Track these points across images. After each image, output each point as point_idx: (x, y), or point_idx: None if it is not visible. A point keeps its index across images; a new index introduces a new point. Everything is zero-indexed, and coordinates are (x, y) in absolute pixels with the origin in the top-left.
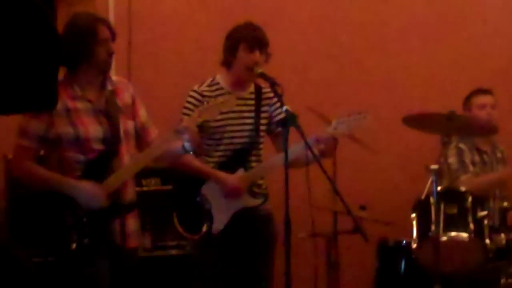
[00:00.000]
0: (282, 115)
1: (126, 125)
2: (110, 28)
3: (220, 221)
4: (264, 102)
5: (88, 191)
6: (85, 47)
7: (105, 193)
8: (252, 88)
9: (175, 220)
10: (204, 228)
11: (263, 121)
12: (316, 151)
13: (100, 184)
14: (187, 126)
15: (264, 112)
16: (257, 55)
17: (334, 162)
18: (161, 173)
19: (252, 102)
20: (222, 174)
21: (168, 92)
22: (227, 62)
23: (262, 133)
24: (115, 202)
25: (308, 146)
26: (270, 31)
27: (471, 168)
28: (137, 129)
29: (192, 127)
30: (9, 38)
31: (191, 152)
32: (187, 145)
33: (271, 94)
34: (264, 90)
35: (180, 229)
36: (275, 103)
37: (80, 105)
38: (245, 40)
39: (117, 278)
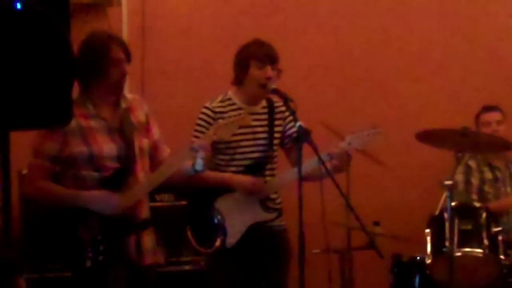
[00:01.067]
0: (295, 130)
1: (141, 142)
2: (125, 48)
3: (233, 235)
4: (277, 116)
5: (102, 197)
6: (98, 66)
7: (120, 202)
8: (264, 102)
9: (189, 233)
10: (218, 243)
11: (276, 135)
12: (329, 166)
13: (114, 192)
14: (203, 143)
15: (277, 126)
16: (268, 70)
17: (347, 178)
18: (175, 189)
19: (265, 116)
20: (237, 176)
21: (181, 108)
22: (239, 80)
23: (275, 147)
24: (129, 219)
25: (322, 162)
26: (280, 47)
27: (475, 190)
28: (149, 147)
29: (207, 145)
30: (25, 54)
31: (201, 171)
32: (199, 163)
33: (283, 108)
34: (276, 104)
35: (193, 243)
36: (288, 117)
37: (94, 123)
38: (255, 56)
39: None
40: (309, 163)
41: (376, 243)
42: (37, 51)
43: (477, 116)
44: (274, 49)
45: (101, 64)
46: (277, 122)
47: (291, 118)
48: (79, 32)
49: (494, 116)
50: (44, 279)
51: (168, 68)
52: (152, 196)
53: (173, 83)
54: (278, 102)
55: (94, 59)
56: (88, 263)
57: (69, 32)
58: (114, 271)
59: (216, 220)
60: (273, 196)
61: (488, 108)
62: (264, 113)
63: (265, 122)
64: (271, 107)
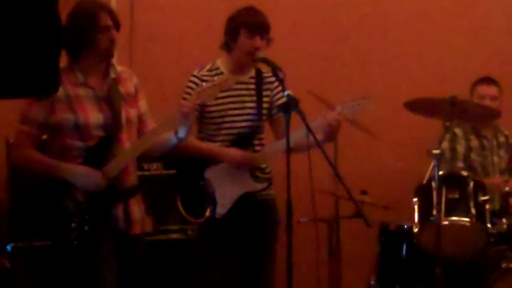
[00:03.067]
0: (283, 100)
1: (128, 113)
2: (113, 16)
3: (223, 205)
4: (265, 86)
5: (84, 174)
6: (86, 34)
7: (103, 177)
8: (252, 72)
9: (179, 203)
10: (207, 212)
11: (264, 105)
12: (318, 135)
13: (97, 169)
14: (186, 111)
15: (265, 96)
16: (257, 40)
17: (335, 147)
18: (164, 157)
19: (253, 86)
20: (224, 149)
21: (169, 78)
22: (228, 46)
23: (264, 117)
24: (114, 187)
25: (310, 131)
26: (270, 15)
27: (461, 157)
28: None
29: (190, 110)
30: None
31: (184, 139)
32: (182, 130)
33: (272, 79)
34: (265, 75)
35: (183, 213)
36: (276, 88)
37: (82, 91)
38: (246, 25)
39: (124, 264)
40: (297, 133)
41: (364, 212)
42: (24, 19)
43: (473, 86)
44: (266, 18)
45: (90, 31)
46: (265, 93)
47: (279, 88)
48: (67, 1)
49: (490, 90)
50: (31, 247)
51: (157, 38)
52: (140, 165)
53: (162, 53)
54: (267, 72)
55: (83, 27)
56: (73, 234)
57: (57, 0)
58: (101, 240)
59: (206, 190)
60: (263, 166)
61: (485, 80)
62: (252, 83)
63: (253, 92)
64: (259, 76)
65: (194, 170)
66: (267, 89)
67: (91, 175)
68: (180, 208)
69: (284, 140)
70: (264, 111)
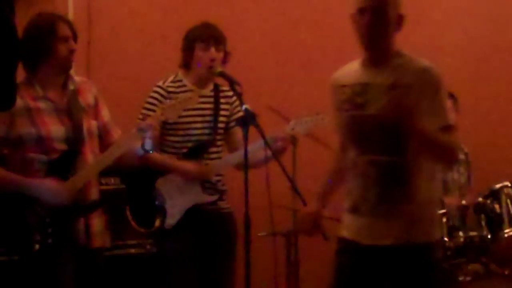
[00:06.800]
0: (241, 114)
1: (90, 124)
2: (71, 27)
3: (172, 216)
4: (224, 100)
5: (51, 188)
6: (45, 45)
7: (68, 191)
8: (212, 86)
9: (128, 213)
10: (157, 223)
11: (221, 119)
12: (273, 149)
13: (63, 182)
14: (151, 124)
15: (223, 110)
16: (213, 52)
17: (294, 161)
18: (121, 172)
19: (212, 99)
20: (179, 163)
21: (126, 91)
22: (186, 63)
23: (220, 131)
24: (77, 202)
25: (267, 145)
26: (228, 30)
27: None
28: (99, 130)
29: (155, 125)
30: None
31: (151, 152)
32: (148, 143)
33: (231, 93)
34: (222, 88)
35: (132, 223)
36: (234, 102)
37: (41, 105)
38: (200, 38)
39: (83, 278)
40: (253, 146)
41: (322, 226)
42: None
43: None
44: (220, 30)
45: (49, 41)
46: (223, 106)
47: (238, 102)
48: (24, 15)
49: None
50: None
51: (114, 51)
52: (98, 179)
53: (119, 67)
54: (225, 86)
55: (41, 37)
56: (37, 247)
57: (14, 14)
58: (63, 254)
59: (156, 201)
60: (217, 178)
61: None
62: (211, 96)
63: (212, 105)
64: (217, 90)
65: (145, 180)
66: (226, 103)
67: (56, 188)
68: (130, 218)
69: (236, 154)
70: (221, 125)
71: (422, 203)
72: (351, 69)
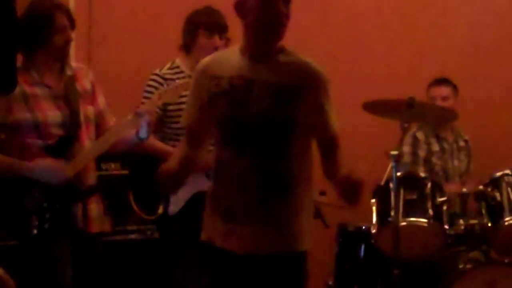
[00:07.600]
0: None
1: (86, 110)
2: (69, 15)
3: (176, 203)
4: None
5: (50, 167)
6: (42, 34)
7: (66, 169)
8: None
9: (131, 199)
10: (160, 210)
11: None
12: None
13: (60, 159)
14: (148, 109)
15: None
16: (216, 40)
17: None
18: (121, 157)
19: None
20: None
21: (127, 77)
22: (187, 46)
23: None
24: (75, 186)
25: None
26: (230, 16)
27: (421, 162)
28: (95, 116)
29: (152, 110)
30: None
31: (145, 139)
32: (143, 130)
33: None
34: None
35: (136, 209)
36: None
37: (38, 90)
38: (204, 25)
39: (81, 263)
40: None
41: (322, 212)
42: None
43: (427, 88)
44: (224, 17)
45: (46, 31)
46: None
47: None
48: (23, 0)
49: (441, 91)
50: None
51: (115, 37)
52: (98, 164)
53: (120, 52)
54: None
55: (38, 26)
56: (34, 231)
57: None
58: (60, 239)
59: None
60: None
61: (437, 82)
62: None
63: None
64: None
65: (148, 167)
66: None
67: (55, 166)
68: (133, 204)
69: None
70: None
71: (300, 211)
72: (227, 59)
